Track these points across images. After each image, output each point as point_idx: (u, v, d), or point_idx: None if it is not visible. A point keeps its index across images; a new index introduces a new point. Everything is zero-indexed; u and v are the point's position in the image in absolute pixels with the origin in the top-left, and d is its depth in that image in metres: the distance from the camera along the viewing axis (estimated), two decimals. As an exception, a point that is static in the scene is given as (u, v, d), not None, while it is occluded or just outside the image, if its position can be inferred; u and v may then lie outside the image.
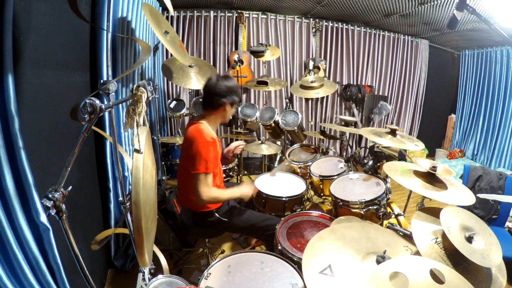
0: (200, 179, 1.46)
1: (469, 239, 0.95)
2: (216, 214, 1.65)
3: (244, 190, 1.67)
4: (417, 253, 0.98)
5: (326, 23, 4.03)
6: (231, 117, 1.69)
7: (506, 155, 3.88)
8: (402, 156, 2.44)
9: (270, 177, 2.17)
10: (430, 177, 1.32)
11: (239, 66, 2.95)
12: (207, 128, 1.56)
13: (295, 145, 2.85)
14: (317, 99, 4.23)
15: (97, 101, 0.77)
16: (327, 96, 4.23)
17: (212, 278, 1.16)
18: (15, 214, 0.94)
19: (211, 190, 1.51)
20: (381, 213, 1.68)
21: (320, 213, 1.71)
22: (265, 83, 2.89)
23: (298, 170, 2.42)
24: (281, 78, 4.00)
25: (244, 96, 4.00)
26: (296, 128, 2.71)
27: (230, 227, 1.71)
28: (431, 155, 4.83)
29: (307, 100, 4.21)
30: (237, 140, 3.13)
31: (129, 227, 1.21)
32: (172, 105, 2.90)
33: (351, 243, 1.01)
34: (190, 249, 2.25)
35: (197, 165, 1.45)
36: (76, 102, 0.80)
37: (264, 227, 1.66)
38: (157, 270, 1.28)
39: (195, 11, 3.65)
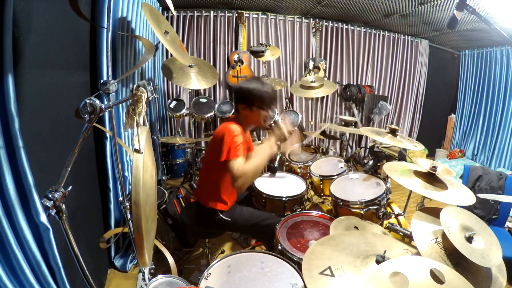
0: (230, 165, 1.41)
1: (469, 239, 0.95)
2: (220, 214, 1.65)
3: (273, 142, 1.51)
4: (417, 253, 0.98)
5: (326, 23, 4.03)
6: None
7: (506, 155, 3.88)
8: (402, 156, 2.44)
9: (270, 177, 2.18)
10: (430, 177, 1.32)
11: (239, 66, 2.95)
12: (236, 125, 1.54)
13: (295, 145, 2.85)
14: (317, 99, 4.23)
15: (97, 101, 0.77)
16: (327, 96, 4.23)
17: (212, 278, 1.16)
18: (15, 214, 0.94)
19: (241, 168, 1.40)
20: (381, 213, 1.68)
21: (320, 213, 1.71)
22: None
23: (298, 170, 2.42)
24: (281, 78, 3.99)
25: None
26: (296, 128, 2.71)
27: (232, 226, 1.71)
28: (431, 155, 4.83)
29: (307, 100, 4.21)
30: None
31: (129, 227, 1.22)
32: (172, 105, 2.90)
33: (351, 247, 1.01)
34: (190, 249, 2.25)
35: (226, 152, 1.42)
36: (77, 102, 0.80)
37: (265, 226, 1.66)
38: (163, 270, 1.28)
39: (195, 11, 3.65)
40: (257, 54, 3.01)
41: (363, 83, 4.33)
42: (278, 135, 1.53)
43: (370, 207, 1.67)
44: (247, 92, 1.55)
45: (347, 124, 3.97)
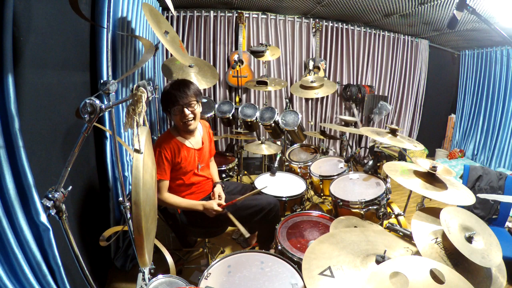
0: (158, 184, 1.54)
1: (469, 239, 0.95)
2: (180, 218, 1.69)
3: (203, 205, 1.61)
4: (417, 253, 0.98)
5: (326, 23, 4.03)
6: (183, 122, 1.58)
7: (506, 155, 3.89)
8: (402, 156, 2.44)
9: (270, 177, 2.18)
10: (430, 177, 1.32)
11: (239, 66, 2.95)
12: (166, 135, 1.61)
13: (295, 145, 2.85)
14: (317, 99, 4.23)
15: (97, 101, 0.77)
16: (327, 96, 4.23)
17: (212, 278, 1.16)
18: (15, 214, 0.94)
19: (162, 195, 1.57)
20: (381, 213, 1.68)
21: (320, 213, 1.71)
22: (264, 83, 2.89)
23: (298, 170, 2.42)
24: (281, 78, 4.00)
25: (244, 96, 4.00)
26: (296, 128, 2.71)
27: (220, 219, 1.67)
28: (431, 155, 4.83)
29: (307, 100, 4.21)
30: (237, 139, 3.14)
31: (129, 227, 1.21)
32: (172, 105, 2.90)
33: (351, 246, 1.01)
34: (190, 249, 2.25)
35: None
36: (77, 102, 0.80)
37: (254, 212, 1.66)
38: (163, 270, 1.28)
39: (195, 11, 3.65)
40: (257, 54, 3.01)
41: (363, 83, 4.33)
42: (207, 209, 1.59)
43: (370, 207, 1.67)
44: (161, 97, 1.60)
45: (347, 124, 3.97)
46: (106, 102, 0.84)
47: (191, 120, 1.57)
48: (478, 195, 1.34)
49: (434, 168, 1.30)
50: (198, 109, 1.61)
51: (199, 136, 1.74)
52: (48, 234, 1.05)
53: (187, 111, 1.54)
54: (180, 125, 1.59)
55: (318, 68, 4.02)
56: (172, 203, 1.61)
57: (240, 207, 1.65)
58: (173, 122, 1.65)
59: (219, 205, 1.60)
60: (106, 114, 1.65)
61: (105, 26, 1.52)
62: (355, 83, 4.27)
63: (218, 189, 1.77)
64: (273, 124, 2.74)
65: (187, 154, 1.64)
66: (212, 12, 3.67)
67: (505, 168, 3.85)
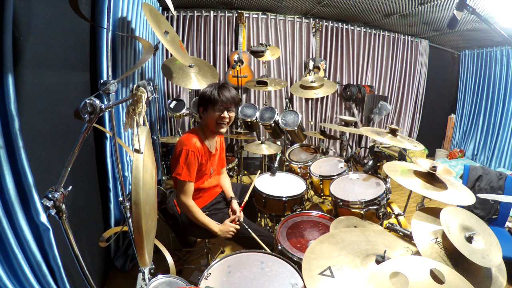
0: (178, 183, 1.55)
1: (469, 239, 0.95)
2: (180, 218, 1.69)
3: (219, 229, 1.62)
4: (417, 253, 0.98)
5: (326, 23, 4.03)
6: (218, 123, 1.60)
7: (506, 155, 3.89)
8: (402, 156, 2.44)
9: (270, 177, 2.18)
10: (430, 177, 1.32)
11: (239, 66, 2.95)
12: (194, 136, 1.59)
13: (295, 145, 2.85)
14: (317, 99, 4.23)
15: (97, 101, 0.77)
16: (327, 96, 4.23)
17: (212, 278, 1.16)
18: (15, 214, 0.94)
19: (189, 199, 1.57)
20: (381, 213, 1.68)
21: (320, 213, 1.71)
22: (264, 83, 2.89)
23: (298, 170, 2.42)
24: (281, 78, 4.00)
25: (244, 96, 4.00)
26: (296, 128, 2.71)
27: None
28: (431, 155, 4.83)
29: (307, 100, 4.22)
30: (237, 139, 3.14)
31: (129, 227, 1.22)
32: (172, 105, 2.90)
33: (351, 246, 1.01)
34: (190, 249, 2.25)
35: (176, 169, 1.53)
36: (77, 102, 0.80)
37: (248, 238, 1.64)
38: (163, 270, 1.28)
39: (195, 11, 3.65)
40: (257, 54, 3.01)
41: (363, 83, 4.33)
42: (222, 230, 1.62)
43: (370, 207, 1.66)
44: (201, 94, 1.62)
45: (347, 124, 3.97)
46: (106, 102, 0.84)
47: (225, 124, 1.62)
48: (478, 195, 1.34)
49: (434, 168, 1.30)
50: (233, 116, 1.67)
51: (215, 142, 1.77)
52: (48, 234, 1.05)
53: (227, 114, 1.60)
54: (212, 125, 1.61)
55: (318, 68, 4.02)
56: (193, 212, 1.57)
57: (249, 237, 1.63)
58: (203, 121, 1.65)
59: (232, 221, 1.65)
60: (106, 114, 1.65)
61: (105, 27, 1.52)
62: (355, 83, 4.27)
63: (235, 206, 1.76)
64: (273, 124, 2.74)
65: (209, 157, 1.68)
66: (212, 12, 3.67)
67: (505, 168, 3.85)
